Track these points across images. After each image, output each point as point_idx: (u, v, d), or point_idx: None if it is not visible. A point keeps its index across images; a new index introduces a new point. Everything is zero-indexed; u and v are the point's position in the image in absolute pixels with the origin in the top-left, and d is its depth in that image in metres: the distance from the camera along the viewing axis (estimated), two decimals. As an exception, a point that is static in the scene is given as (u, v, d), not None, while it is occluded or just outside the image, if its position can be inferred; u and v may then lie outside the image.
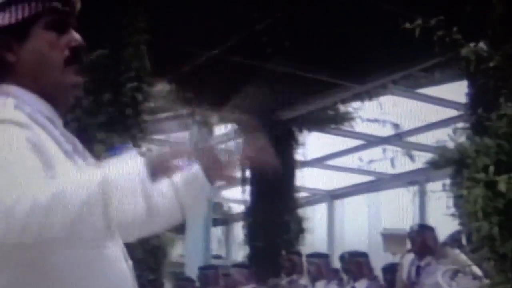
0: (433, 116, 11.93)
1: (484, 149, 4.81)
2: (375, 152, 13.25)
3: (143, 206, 1.36)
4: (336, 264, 9.26)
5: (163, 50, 8.24)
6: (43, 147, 1.47)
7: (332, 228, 14.70)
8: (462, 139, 7.36)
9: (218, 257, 16.11)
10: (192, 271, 11.49)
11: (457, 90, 9.35)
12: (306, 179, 13.20)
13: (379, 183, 14.09)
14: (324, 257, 9.05)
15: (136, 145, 7.00)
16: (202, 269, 10.56)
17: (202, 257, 13.72)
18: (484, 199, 4.60)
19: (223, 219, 16.84)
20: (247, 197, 11.75)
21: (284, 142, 11.56)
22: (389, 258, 9.15)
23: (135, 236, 1.49)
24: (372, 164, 13.56)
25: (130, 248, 1.67)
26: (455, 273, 6.14)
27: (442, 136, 8.30)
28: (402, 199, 13.21)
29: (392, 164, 12.98)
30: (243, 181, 11.72)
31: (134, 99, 7.05)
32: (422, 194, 12.73)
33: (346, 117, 11.83)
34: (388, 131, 12.62)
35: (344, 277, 8.57)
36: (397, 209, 13.58)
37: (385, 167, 13.32)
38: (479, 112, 6.55)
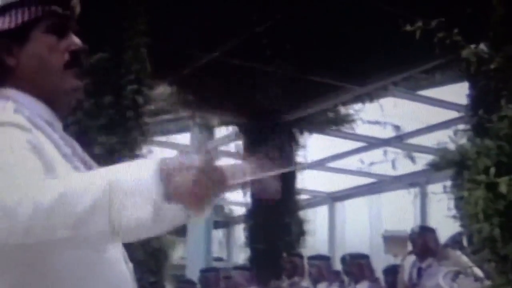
0: (434, 118, 11.93)
1: (485, 150, 4.81)
2: (376, 154, 13.25)
3: (151, 212, 1.30)
4: (337, 266, 9.27)
5: (164, 52, 8.25)
6: (43, 150, 1.47)
7: (333, 230, 14.69)
8: (463, 140, 7.36)
9: (219, 259, 16.11)
10: (193, 274, 11.49)
11: (458, 92, 9.35)
12: (307, 181, 13.20)
13: (380, 185, 14.08)
14: (325, 259, 9.05)
15: (137, 148, 7.01)
16: (203, 271, 10.56)
17: (203, 260, 13.73)
18: (485, 201, 4.60)
19: (224, 222, 16.84)
20: (248, 199, 11.74)
21: (285, 144, 11.57)
22: (390, 260, 9.15)
23: (137, 239, 1.48)
24: (373, 166, 13.56)
25: (131, 250, 1.67)
26: (456, 275, 6.13)
27: (443, 138, 8.30)
28: (403, 201, 13.21)
29: (393, 166, 12.97)
30: (244, 184, 11.70)
31: (135, 101, 7.05)
32: (423, 196, 12.73)
33: (347, 119, 11.83)
34: (389, 133, 12.62)
35: (345, 279, 8.57)
36: (398, 211, 13.59)
37: (386, 169, 13.32)
38: (480, 113, 6.55)
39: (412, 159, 12.62)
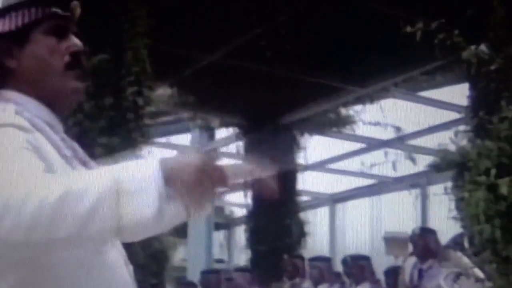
0: (435, 119, 11.93)
1: (486, 152, 4.81)
2: (377, 155, 13.25)
3: (155, 209, 1.30)
4: (338, 267, 9.26)
5: (164, 54, 8.25)
6: (43, 152, 1.47)
7: (334, 231, 14.69)
8: (464, 142, 7.37)
9: (220, 261, 16.10)
10: (194, 275, 11.48)
11: (459, 93, 9.35)
12: (308, 182, 13.20)
13: (381, 186, 14.08)
14: (326, 260, 9.04)
15: (138, 149, 7.01)
16: (204, 273, 10.54)
17: (204, 261, 13.73)
18: (486, 202, 4.60)
19: (225, 223, 16.83)
20: (249, 201, 11.74)
21: (285, 145, 11.57)
22: (391, 262, 9.13)
23: (137, 238, 1.47)
24: (373, 167, 13.55)
25: (132, 252, 1.66)
26: (457, 276, 6.13)
27: (444, 139, 8.32)
28: (404, 202, 13.21)
29: (394, 167, 12.97)
30: (245, 185, 11.71)
31: (135, 103, 7.05)
32: (424, 197, 12.73)
33: (347, 121, 11.84)
34: (389, 134, 12.62)
35: (346, 280, 8.57)
36: (399, 212, 13.57)
37: (386, 170, 13.32)
38: (480, 115, 6.56)
39: (413, 160, 12.62)
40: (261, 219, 11.31)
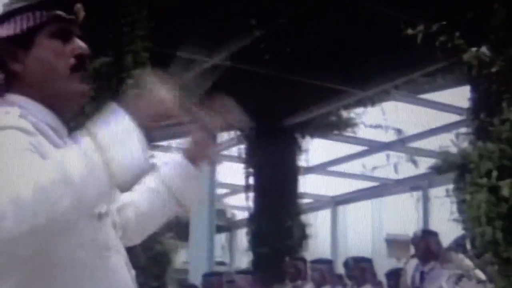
0: (436, 121, 11.93)
1: (487, 154, 4.82)
2: (378, 157, 13.26)
3: (141, 150, 1.41)
4: (340, 269, 9.25)
5: (164, 57, 8.25)
6: (46, 156, 1.47)
7: (335, 234, 14.69)
8: (465, 144, 7.37)
9: (222, 263, 16.10)
10: (196, 278, 11.47)
11: (460, 95, 9.35)
12: (309, 185, 13.20)
13: (382, 188, 14.08)
14: (328, 263, 9.03)
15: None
16: (206, 276, 10.53)
17: (206, 264, 13.69)
18: (487, 204, 4.61)
19: (227, 226, 16.84)
20: (251, 203, 11.74)
21: (287, 148, 11.57)
22: (393, 264, 9.14)
23: (135, 182, 1.47)
24: (375, 170, 13.56)
25: (134, 255, 1.67)
26: (459, 278, 6.12)
27: (445, 141, 8.33)
28: (406, 205, 13.22)
29: (395, 170, 12.98)
30: (247, 188, 11.73)
31: (137, 106, 7.04)
32: (426, 199, 12.74)
33: (349, 123, 11.84)
34: (391, 136, 12.63)
35: (348, 282, 8.57)
36: (401, 215, 13.58)
37: (388, 173, 13.33)
38: (481, 117, 6.56)
39: (414, 162, 12.63)
40: (262, 222, 11.31)
